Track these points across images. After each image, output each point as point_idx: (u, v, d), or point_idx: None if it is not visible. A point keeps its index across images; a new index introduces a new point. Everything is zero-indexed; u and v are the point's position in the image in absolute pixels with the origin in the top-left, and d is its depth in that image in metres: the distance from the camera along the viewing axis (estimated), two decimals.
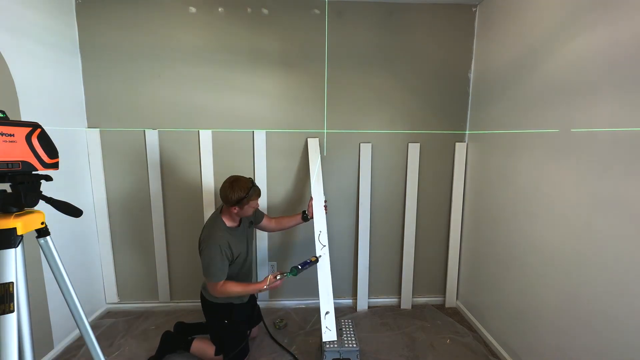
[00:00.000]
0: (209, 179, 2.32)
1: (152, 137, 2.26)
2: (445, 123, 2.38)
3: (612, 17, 1.25)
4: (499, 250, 1.99)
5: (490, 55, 2.10)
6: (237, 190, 1.67)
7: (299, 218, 2.06)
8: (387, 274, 2.54)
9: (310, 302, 2.52)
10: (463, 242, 2.47)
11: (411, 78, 2.31)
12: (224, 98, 2.25)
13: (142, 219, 2.36)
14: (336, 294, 2.43)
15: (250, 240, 1.95)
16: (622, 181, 1.20)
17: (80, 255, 2.19)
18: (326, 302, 1.80)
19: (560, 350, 1.50)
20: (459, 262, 2.51)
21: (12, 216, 0.85)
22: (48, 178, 0.93)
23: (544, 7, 1.61)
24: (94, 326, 2.22)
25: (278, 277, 1.71)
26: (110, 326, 2.23)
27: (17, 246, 0.84)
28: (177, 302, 2.47)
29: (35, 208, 0.91)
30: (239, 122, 2.28)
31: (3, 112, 0.82)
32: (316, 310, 2.39)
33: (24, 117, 1.69)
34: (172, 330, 2.00)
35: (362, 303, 2.49)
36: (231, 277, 1.79)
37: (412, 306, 2.53)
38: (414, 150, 2.37)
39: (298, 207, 2.39)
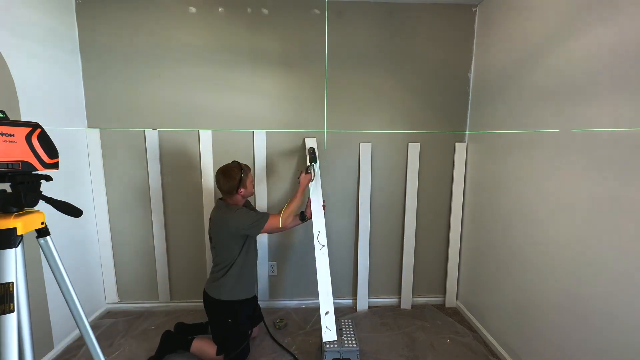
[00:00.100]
0: (209, 179, 2.32)
1: (152, 137, 2.26)
2: (445, 123, 2.38)
3: (612, 17, 1.25)
4: (499, 250, 1.99)
5: (490, 55, 2.10)
6: (233, 173, 1.78)
7: (297, 218, 2.06)
8: (387, 274, 2.54)
9: (310, 302, 2.52)
10: (463, 242, 2.47)
11: (411, 78, 2.31)
12: (224, 98, 2.25)
13: (142, 219, 2.36)
14: (336, 294, 2.44)
15: None
16: (622, 181, 1.20)
17: (80, 255, 2.19)
18: (326, 302, 1.79)
19: (560, 350, 1.50)
20: (459, 262, 2.51)
21: (12, 216, 0.84)
22: (48, 178, 0.93)
23: (544, 7, 1.61)
24: (94, 326, 2.22)
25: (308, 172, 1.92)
26: (110, 326, 2.23)
27: (17, 246, 0.84)
28: (177, 302, 2.47)
29: (35, 208, 0.91)
30: (239, 122, 2.28)
31: (3, 112, 0.82)
32: (316, 310, 2.39)
33: (24, 117, 1.69)
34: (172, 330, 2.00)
35: (362, 303, 2.49)
36: (240, 264, 1.83)
37: (412, 306, 2.53)
38: (414, 150, 2.37)
39: None
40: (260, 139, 2.30)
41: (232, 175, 1.77)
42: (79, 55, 2.15)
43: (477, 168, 2.28)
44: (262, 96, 2.27)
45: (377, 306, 2.54)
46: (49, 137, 0.90)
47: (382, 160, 2.40)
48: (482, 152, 2.20)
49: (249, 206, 2.03)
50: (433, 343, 2.09)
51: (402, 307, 2.52)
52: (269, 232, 2.10)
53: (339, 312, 2.41)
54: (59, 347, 1.97)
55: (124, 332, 2.16)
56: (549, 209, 1.57)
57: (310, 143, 2.29)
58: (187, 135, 2.28)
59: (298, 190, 1.90)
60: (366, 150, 2.35)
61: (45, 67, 1.89)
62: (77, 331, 2.07)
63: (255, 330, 2.09)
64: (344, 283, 2.54)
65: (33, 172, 0.88)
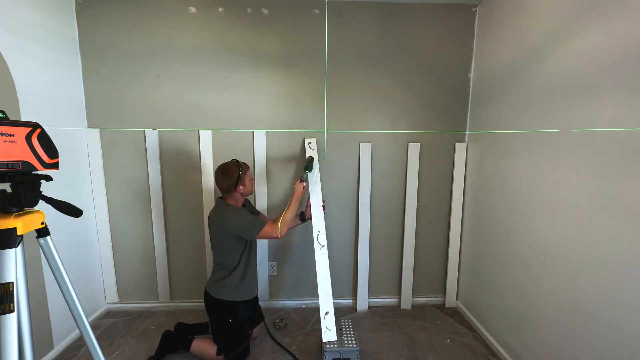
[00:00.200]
0: (209, 179, 2.32)
1: (152, 137, 2.26)
2: (445, 123, 2.38)
3: (612, 17, 1.25)
4: (499, 250, 1.99)
5: (490, 55, 2.10)
6: (231, 171, 1.78)
7: (297, 219, 2.06)
8: (387, 274, 2.54)
9: (310, 302, 2.52)
10: (463, 242, 2.47)
11: (411, 78, 2.31)
12: (224, 98, 2.25)
13: (142, 219, 2.36)
14: (336, 294, 2.44)
15: None
16: (622, 181, 1.20)
17: (80, 255, 2.19)
18: (326, 302, 1.79)
19: (560, 350, 1.50)
20: (459, 262, 2.51)
21: (12, 216, 0.84)
22: (48, 178, 0.93)
23: (544, 7, 1.61)
24: (94, 326, 2.22)
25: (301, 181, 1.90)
26: (110, 326, 2.23)
27: (17, 246, 0.84)
28: (177, 302, 2.47)
29: (35, 208, 0.91)
30: (239, 122, 2.28)
31: (3, 112, 0.82)
32: (316, 310, 2.39)
33: (24, 117, 1.69)
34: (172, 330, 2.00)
35: (362, 303, 2.49)
36: (243, 266, 1.83)
37: (412, 306, 2.53)
38: (414, 150, 2.37)
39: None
40: (260, 139, 2.30)
41: (230, 173, 1.78)
42: (79, 55, 2.16)
43: (477, 168, 2.28)
44: (262, 96, 2.27)
45: (377, 306, 2.54)
46: (49, 137, 0.90)
47: (382, 160, 2.40)
48: (482, 152, 2.20)
49: (249, 206, 2.03)
50: (433, 343, 2.09)
51: (402, 307, 2.52)
52: (266, 239, 2.06)
53: (339, 312, 2.41)
54: (59, 347, 1.97)
55: (124, 332, 2.16)
56: (549, 208, 1.57)
57: (310, 147, 2.28)
58: (187, 135, 2.28)
59: (292, 199, 1.86)
60: (366, 150, 2.35)
61: (45, 67, 1.89)
62: (77, 331, 2.07)
63: (256, 330, 2.09)
64: (344, 283, 2.54)
65: (33, 172, 0.88)
